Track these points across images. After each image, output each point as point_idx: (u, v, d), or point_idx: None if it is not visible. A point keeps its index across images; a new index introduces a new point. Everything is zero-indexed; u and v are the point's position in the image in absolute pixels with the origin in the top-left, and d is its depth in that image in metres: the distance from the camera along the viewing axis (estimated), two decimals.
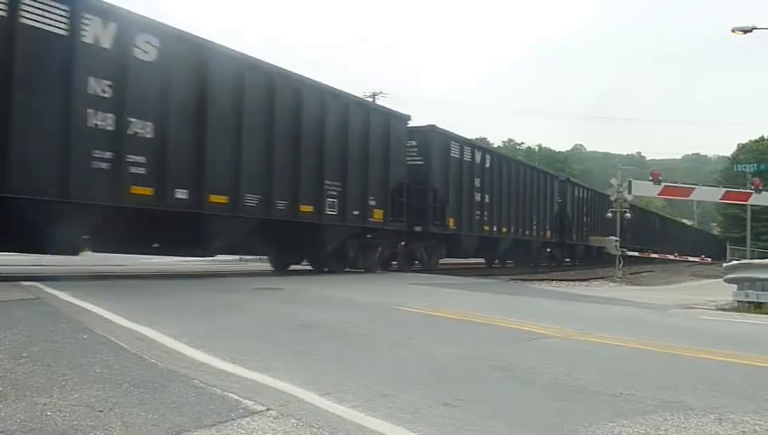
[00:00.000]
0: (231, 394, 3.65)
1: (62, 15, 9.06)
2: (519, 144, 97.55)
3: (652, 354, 5.93)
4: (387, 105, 20.91)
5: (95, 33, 9.48)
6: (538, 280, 19.55)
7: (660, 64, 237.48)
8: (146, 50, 10.22)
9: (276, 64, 12.97)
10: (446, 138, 19.10)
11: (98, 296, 7.39)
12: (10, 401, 3.30)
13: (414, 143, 17.79)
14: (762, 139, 63.93)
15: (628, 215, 29.59)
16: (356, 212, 15.09)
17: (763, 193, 29.97)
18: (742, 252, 33.18)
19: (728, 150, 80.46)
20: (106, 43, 9.64)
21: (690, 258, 38.23)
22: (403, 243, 18.06)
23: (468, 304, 9.64)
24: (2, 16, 8.46)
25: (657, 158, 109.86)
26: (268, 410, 3.39)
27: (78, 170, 9.24)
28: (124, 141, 9.81)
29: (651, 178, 29.23)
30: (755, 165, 37.33)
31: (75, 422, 3.05)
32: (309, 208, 13.54)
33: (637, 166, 79.03)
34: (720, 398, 4.16)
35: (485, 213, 21.08)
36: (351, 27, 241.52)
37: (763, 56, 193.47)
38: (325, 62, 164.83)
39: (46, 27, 8.88)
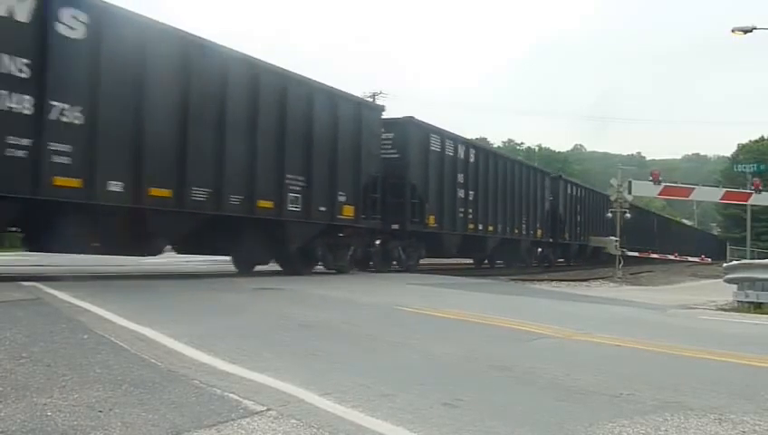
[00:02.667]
0: (231, 394, 3.65)
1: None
2: (519, 144, 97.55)
3: (652, 354, 5.93)
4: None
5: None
6: (538, 280, 19.55)
7: (660, 64, 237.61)
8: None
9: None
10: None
11: (98, 296, 7.39)
12: (10, 401, 3.31)
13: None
14: (762, 139, 63.96)
15: (627, 215, 29.60)
16: (323, 208, 13.83)
17: (763, 193, 29.97)
18: (742, 252, 33.19)
19: (728, 150, 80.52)
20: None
21: (690, 258, 38.25)
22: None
23: (468, 305, 9.65)
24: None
25: (657, 158, 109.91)
26: (268, 410, 3.40)
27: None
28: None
29: (651, 178, 29.25)
30: (755, 165, 37.30)
31: (75, 422, 3.05)
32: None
33: (637, 166, 78.92)
34: (720, 398, 4.16)
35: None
36: (351, 27, 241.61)
37: (763, 56, 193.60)
38: (325, 61, 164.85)
39: None
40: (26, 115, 8.55)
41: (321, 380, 4.12)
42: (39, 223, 9.32)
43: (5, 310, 6.10)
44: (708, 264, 35.99)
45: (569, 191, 29.48)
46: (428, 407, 3.64)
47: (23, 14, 8.55)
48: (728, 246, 36.53)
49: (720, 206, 57.80)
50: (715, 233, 72.68)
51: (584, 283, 20.41)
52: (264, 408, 3.42)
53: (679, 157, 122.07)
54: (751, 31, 21.86)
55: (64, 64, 8.98)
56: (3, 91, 8.36)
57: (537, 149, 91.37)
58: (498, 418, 3.51)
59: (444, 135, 18.59)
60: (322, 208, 13.84)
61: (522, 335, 6.78)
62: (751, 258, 25.09)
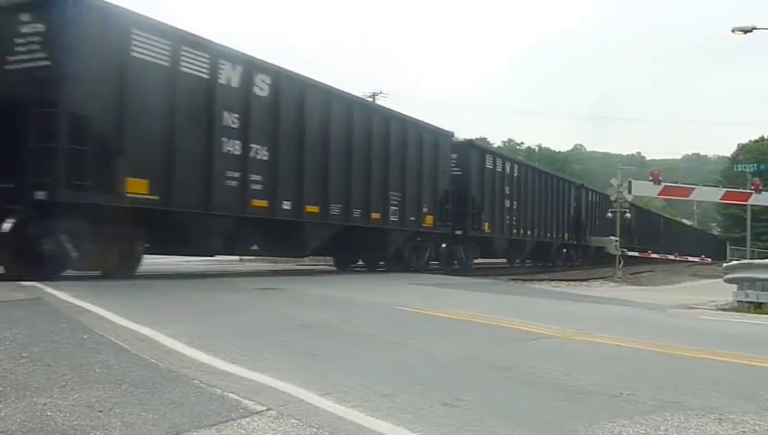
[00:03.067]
0: (231, 394, 3.65)
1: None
2: (519, 144, 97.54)
3: (652, 354, 5.93)
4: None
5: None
6: (538, 280, 19.56)
7: (660, 64, 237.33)
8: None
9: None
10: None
11: (98, 296, 7.38)
12: (10, 401, 3.30)
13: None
14: (762, 139, 63.96)
15: (627, 215, 29.65)
16: (412, 218, 17.14)
17: (763, 193, 29.99)
18: (742, 252, 33.22)
19: (728, 150, 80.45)
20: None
21: (690, 258, 38.27)
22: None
23: (468, 304, 9.65)
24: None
25: (657, 158, 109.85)
26: (268, 410, 3.40)
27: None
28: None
29: (651, 178, 29.30)
30: (755, 165, 37.32)
31: (75, 422, 3.05)
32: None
33: (637, 166, 78.97)
34: (720, 398, 4.16)
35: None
36: (351, 27, 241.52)
37: (763, 56, 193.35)
38: (325, 61, 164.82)
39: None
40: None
41: (321, 380, 4.12)
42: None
43: (5, 310, 6.10)
44: (708, 264, 36.02)
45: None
46: (428, 407, 3.64)
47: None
48: (728, 246, 36.56)
49: (720, 206, 57.80)
50: (715, 233, 72.68)
51: (584, 283, 20.41)
52: (264, 408, 3.42)
53: (679, 157, 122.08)
54: (751, 31, 21.86)
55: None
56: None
57: (537, 149, 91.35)
58: (498, 418, 3.51)
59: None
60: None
61: (522, 335, 6.78)
62: (751, 258, 25.09)
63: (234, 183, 11.64)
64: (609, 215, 29.65)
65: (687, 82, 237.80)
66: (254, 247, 14.22)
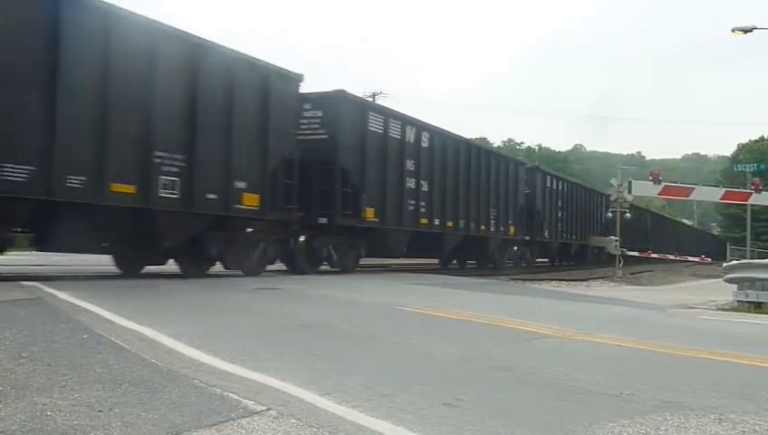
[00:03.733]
0: (231, 394, 3.65)
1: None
2: (519, 144, 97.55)
3: (652, 354, 5.93)
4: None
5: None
6: (538, 280, 19.60)
7: (660, 64, 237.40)
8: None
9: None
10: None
11: (98, 296, 7.39)
12: (10, 401, 3.31)
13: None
14: (762, 139, 63.90)
15: (628, 215, 29.60)
16: (212, 196, 11.46)
17: (763, 193, 29.96)
18: (742, 252, 33.16)
19: (728, 150, 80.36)
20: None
21: (690, 258, 38.25)
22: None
23: (468, 304, 9.64)
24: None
25: (657, 158, 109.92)
26: (268, 410, 3.40)
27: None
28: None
29: (651, 178, 29.25)
30: (755, 165, 37.27)
31: (75, 422, 3.05)
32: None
33: (637, 166, 78.98)
34: (720, 398, 4.16)
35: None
36: (351, 27, 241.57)
37: (763, 56, 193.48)
38: (325, 61, 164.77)
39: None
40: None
41: (321, 379, 4.12)
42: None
43: (6, 310, 6.10)
44: (708, 264, 35.98)
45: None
46: (428, 407, 3.64)
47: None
48: (728, 246, 36.50)
49: (720, 206, 57.77)
50: (715, 233, 72.66)
51: (584, 283, 20.44)
52: (264, 408, 3.42)
53: (679, 157, 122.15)
54: (751, 31, 21.86)
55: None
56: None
57: (537, 149, 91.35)
58: (498, 418, 3.51)
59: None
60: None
61: (522, 335, 6.78)
62: (751, 258, 25.09)
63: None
64: (609, 215, 29.66)
65: (688, 82, 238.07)
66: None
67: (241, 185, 12.06)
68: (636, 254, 31.25)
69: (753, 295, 11.47)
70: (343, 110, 14.86)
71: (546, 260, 29.15)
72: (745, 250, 33.30)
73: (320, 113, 14.63)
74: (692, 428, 3.46)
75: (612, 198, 28.19)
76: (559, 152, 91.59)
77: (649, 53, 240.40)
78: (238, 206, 12.00)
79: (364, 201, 15.24)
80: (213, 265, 12.41)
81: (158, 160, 10.48)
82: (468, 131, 39.43)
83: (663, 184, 29.35)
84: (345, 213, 14.60)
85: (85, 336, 5.14)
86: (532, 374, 4.74)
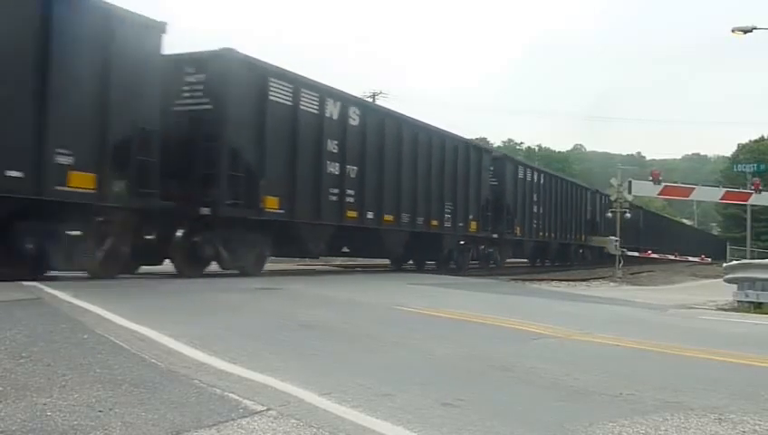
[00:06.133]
0: (231, 394, 3.65)
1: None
2: (519, 144, 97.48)
3: (652, 354, 5.94)
4: (386, 105, 21.14)
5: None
6: (538, 280, 19.63)
7: (660, 64, 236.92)
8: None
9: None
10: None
11: (98, 296, 7.38)
12: (10, 401, 3.31)
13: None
14: (762, 139, 63.83)
15: (628, 215, 29.60)
16: (461, 224, 19.30)
17: (763, 193, 29.96)
18: (742, 252, 33.16)
19: (728, 150, 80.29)
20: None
21: (690, 258, 38.25)
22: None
23: (468, 304, 9.65)
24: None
25: (657, 158, 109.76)
26: (268, 410, 3.40)
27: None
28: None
29: (651, 178, 29.26)
30: (755, 165, 37.27)
31: (75, 422, 3.05)
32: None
33: (637, 166, 79.03)
34: (720, 398, 4.16)
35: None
36: (351, 27, 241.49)
37: (763, 56, 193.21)
38: (325, 61, 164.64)
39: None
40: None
41: (321, 379, 4.12)
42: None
43: (6, 310, 6.10)
44: (708, 264, 35.99)
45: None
46: (428, 407, 3.64)
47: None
48: (728, 246, 36.51)
49: (720, 206, 57.72)
50: (715, 233, 72.65)
51: (584, 282, 20.46)
52: (264, 408, 3.42)
53: (679, 157, 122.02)
54: (751, 31, 21.85)
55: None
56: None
57: (537, 149, 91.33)
58: (498, 418, 3.51)
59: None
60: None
61: (522, 335, 6.78)
62: (751, 258, 25.09)
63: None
64: (609, 215, 29.66)
65: (688, 82, 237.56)
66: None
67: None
68: (634, 254, 31.24)
69: (753, 295, 11.47)
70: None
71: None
72: (745, 250, 33.31)
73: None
74: (692, 428, 3.46)
75: (612, 198, 28.20)
76: (559, 152, 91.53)
77: (649, 52, 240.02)
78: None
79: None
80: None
81: None
82: (468, 132, 39.42)
83: (663, 184, 29.37)
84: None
85: (85, 336, 5.14)
86: (533, 374, 4.74)
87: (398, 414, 3.45)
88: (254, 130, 12.23)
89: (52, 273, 9.44)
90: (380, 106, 17.89)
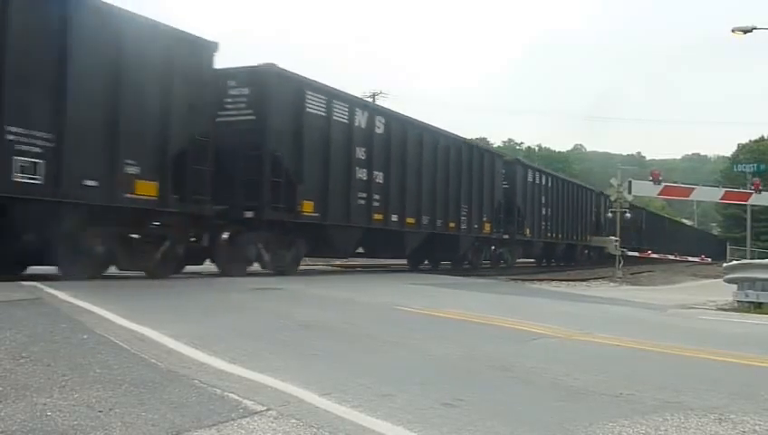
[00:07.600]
0: (231, 394, 3.65)
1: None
2: (519, 144, 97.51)
3: (652, 354, 5.94)
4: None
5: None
6: (538, 280, 19.62)
7: (660, 64, 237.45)
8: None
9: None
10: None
11: (98, 296, 7.38)
12: (10, 401, 3.31)
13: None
14: (762, 139, 63.81)
15: (628, 215, 29.60)
16: (476, 226, 20.22)
17: (763, 193, 29.97)
18: (742, 252, 33.14)
19: (728, 150, 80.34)
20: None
21: (690, 258, 38.26)
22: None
23: (468, 304, 9.64)
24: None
25: (657, 158, 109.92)
26: (268, 410, 3.40)
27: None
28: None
29: (651, 178, 29.25)
30: (755, 165, 37.27)
31: (75, 422, 3.05)
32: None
33: (637, 166, 79.07)
34: (720, 398, 4.16)
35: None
36: (351, 27, 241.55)
37: (763, 56, 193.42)
38: (325, 61, 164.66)
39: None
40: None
41: (321, 380, 4.12)
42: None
43: (5, 310, 6.10)
44: (708, 264, 35.99)
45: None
46: (428, 407, 3.64)
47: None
48: (728, 246, 36.49)
49: (720, 206, 57.70)
50: (715, 233, 72.62)
51: (584, 283, 20.46)
52: (264, 408, 3.42)
53: (679, 157, 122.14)
54: (751, 31, 21.84)
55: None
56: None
57: (537, 149, 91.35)
58: (498, 418, 3.51)
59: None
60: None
61: (522, 335, 6.78)
62: (751, 258, 25.08)
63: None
64: (610, 215, 29.66)
65: (688, 82, 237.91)
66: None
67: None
68: (634, 254, 31.24)
69: (753, 295, 11.46)
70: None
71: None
72: (745, 250, 33.30)
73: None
74: (692, 428, 3.46)
75: (612, 199, 28.20)
76: (559, 152, 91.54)
77: (650, 52, 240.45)
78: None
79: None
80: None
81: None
82: (468, 132, 39.46)
83: (663, 184, 29.36)
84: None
85: (85, 336, 5.14)
86: (533, 374, 4.74)
87: (398, 414, 3.45)
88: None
89: (52, 273, 9.44)
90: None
